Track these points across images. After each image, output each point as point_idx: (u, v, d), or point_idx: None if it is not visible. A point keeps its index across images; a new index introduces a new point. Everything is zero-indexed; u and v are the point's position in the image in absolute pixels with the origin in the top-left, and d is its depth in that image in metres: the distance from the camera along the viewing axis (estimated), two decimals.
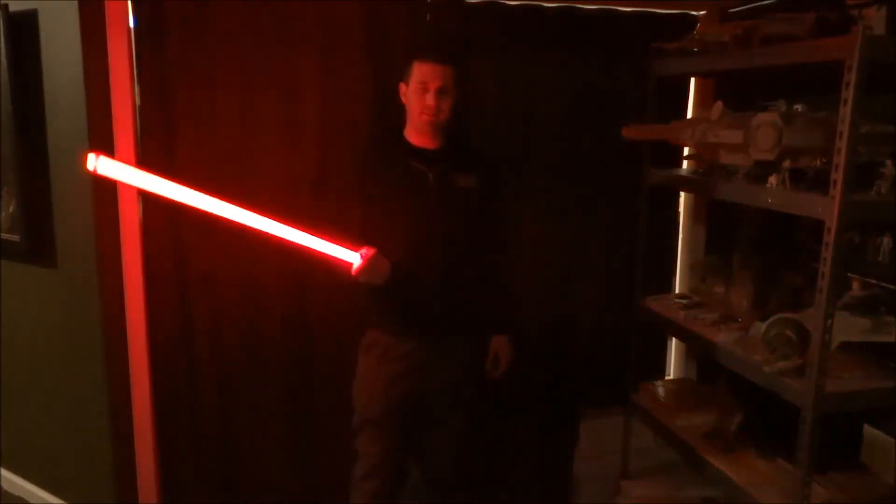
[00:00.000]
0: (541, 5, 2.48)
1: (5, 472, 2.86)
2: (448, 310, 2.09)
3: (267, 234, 1.85)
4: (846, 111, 1.58)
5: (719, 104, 2.06)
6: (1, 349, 2.74)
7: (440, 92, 2.02)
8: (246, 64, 2.32)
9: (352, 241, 2.05)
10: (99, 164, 1.61)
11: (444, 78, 2.02)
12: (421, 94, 2.01)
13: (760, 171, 1.95)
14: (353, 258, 1.93)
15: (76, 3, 2.16)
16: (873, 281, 1.98)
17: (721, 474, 2.07)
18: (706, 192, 2.27)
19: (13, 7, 2.34)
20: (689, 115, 2.69)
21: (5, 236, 2.56)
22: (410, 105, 2.06)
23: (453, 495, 2.37)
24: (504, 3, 2.46)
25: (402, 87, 2.08)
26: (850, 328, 1.82)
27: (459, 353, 2.18)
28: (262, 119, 2.36)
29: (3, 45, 2.35)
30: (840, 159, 1.61)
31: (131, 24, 2.22)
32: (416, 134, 2.09)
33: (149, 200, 2.32)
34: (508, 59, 2.49)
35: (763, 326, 1.93)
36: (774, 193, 1.85)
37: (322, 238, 1.90)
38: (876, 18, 1.64)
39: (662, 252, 2.79)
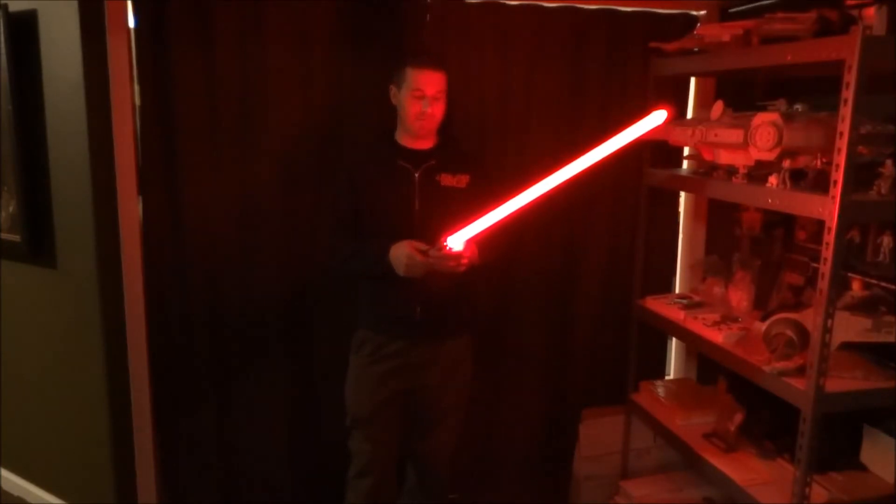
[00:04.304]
0: (541, 5, 2.48)
1: (5, 472, 2.86)
2: (433, 308, 2.08)
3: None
4: (846, 111, 1.58)
5: (719, 104, 2.06)
6: (1, 349, 2.74)
7: (435, 99, 2.03)
8: (246, 63, 2.32)
9: (346, 238, 2.08)
10: None
11: (438, 84, 2.03)
12: (416, 101, 2.02)
13: (760, 171, 1.95)
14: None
15: (76, 3, 2.16)
16: (873, 281, 1.98)
17: (721, 474, 2.07)
18: (706, 192, 2.27)
19: (13, 7, 2.34)
20: (689, 115, 2.69)
21: (5, 236, 2.56)
22: (403, 109, 2.06)
23: (449, 496, 2.38)
24: (504, 4, 2.46)
25: (393, 89, 2.09)
26: (850, 328, 1.82)
27: (449, 352, 2.18)
28: (262, 118, 2.36)
29: (3, 45, 2.35)
30: (840, 159, 1.61)
31: (131, 24, 2.22)
32: (408, 135, 2.10)
33: (149, 200, 2.33)
34: (508, 59, 2.49)
35: (763, 326, 1.93)
36: (774, 193, 1.85)
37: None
38: (876, 18, 1.64)
39: (662, 252, 2.79)
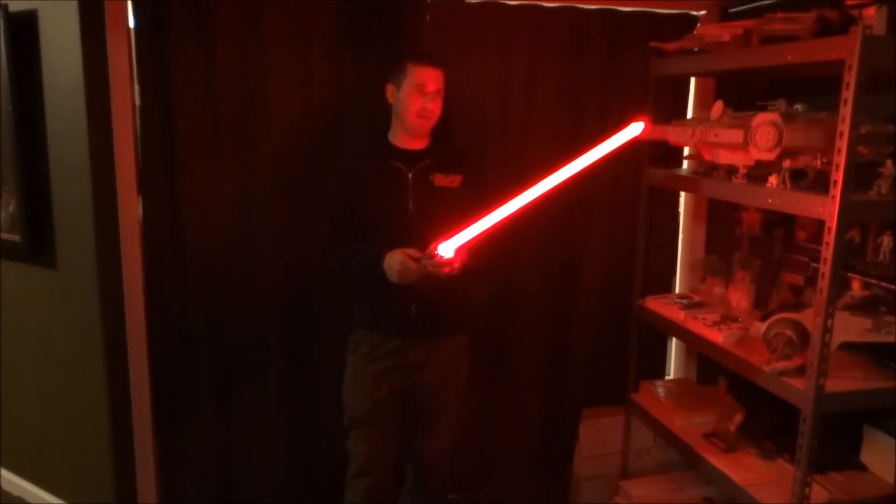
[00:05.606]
0: (541, 5, 2.48)
1: (5, 472, 2.86)
2: (429, 307, 2.08)
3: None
4: (846, 111, 1.58)
5: (719, 104, 2.06)
6: (1, 349, 2.74)
7: (435, 94, 2.03)
8: (246, 63, 2.32)
9: (343, 240, 2.08)
10: None
11: (438, 81, 2.04)
12: (418, 97, 2.02)
13: (760, 171, 1.95)
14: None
15: (76, 3, 2.16)
16: (873, 281, 1.98)
17: (721, 474, 2.07)
18: (706, 192, 2.27)
19: (13, 7, 2.34)
20: (689, 115, 2.69)
21: (5, 236, 2.56)
22: (402, 107, 2.05)
23: (449, 496, 2.37)
24: (504, 4, 2.46)
25: (391, 87, 2.08)
26: (850, 328, 1.82)
27: (446, 351, 2.18)
28: (262, 119, 2.36)
29: (3, 45, 2.35)
30: (840, 159, 1.61)
31: (131, 24, 2.22)
32: (404, 134, 2.10)
33: (149, 200, 2.33)
34: (508, 59, 2.49)
35: (763, 326, 1.93)
36: (774, 193, 1.85)
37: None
38: (876, 18, 1.64)
39: (662, 252, 2.79)
